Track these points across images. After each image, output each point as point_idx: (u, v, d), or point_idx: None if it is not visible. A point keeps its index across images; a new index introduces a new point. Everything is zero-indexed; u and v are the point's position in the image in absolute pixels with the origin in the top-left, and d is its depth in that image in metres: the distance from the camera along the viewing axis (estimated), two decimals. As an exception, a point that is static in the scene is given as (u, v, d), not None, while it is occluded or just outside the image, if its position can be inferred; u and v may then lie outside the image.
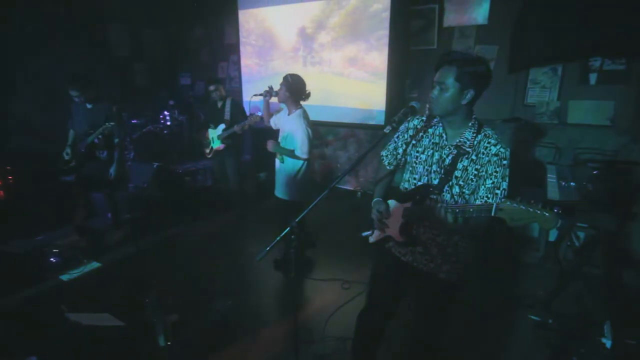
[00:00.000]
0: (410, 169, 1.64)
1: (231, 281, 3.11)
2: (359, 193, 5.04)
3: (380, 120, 4.81)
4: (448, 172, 1.49)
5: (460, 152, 1.47)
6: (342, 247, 3.65)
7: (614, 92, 3.61)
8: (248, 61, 5.95)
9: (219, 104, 4.03)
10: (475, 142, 1.46)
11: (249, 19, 5.73)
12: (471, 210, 1.32)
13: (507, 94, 4.13)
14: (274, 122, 3.07)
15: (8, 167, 4.17)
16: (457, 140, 1.49)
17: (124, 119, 3.80)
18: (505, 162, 1.42)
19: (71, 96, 3.32)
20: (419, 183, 1.59)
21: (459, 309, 2.39)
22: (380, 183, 1.76)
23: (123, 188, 3.91)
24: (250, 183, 4.98)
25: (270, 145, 2.85)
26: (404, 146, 1.67)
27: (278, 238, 1.52)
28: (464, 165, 1.48)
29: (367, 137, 5.16)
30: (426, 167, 1.57)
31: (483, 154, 1.44)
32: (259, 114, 3.31)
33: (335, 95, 5.12)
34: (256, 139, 5.18)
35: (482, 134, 1.47)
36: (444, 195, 1.52)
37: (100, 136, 3.35)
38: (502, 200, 1.27)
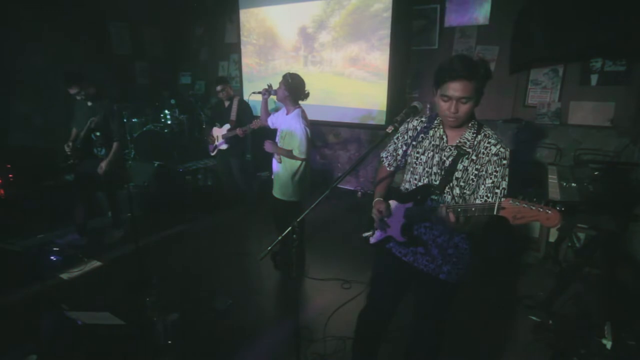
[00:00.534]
0: (411, 169, 1.64)
1: (232, 280, 3.11)
2: (360, 193, 5.04)
3: (381, 120, 4.81)
4: (448, 173, 1.50)
5: (461, 153, 1.48)
6: (342, 247, 3.65)
7: (614, 93, 3.62)
8: (249, 60, 5.95)
9: (226, 103, 4.04)
10: (476, 143, 1.47)
11: (249, 18, 5.73)
12: (473, 209, 1.32)
13: (508, 94, 4.13)
14: (272, 121, 3.06)
15: (8, 165, 4.17)
16: (457, 141, 1.49)
17: (122, 117, 3.78)
18: (505, 161, 1.42)
19: (71, 94, 3.31)
20: (420, 184, 1.59)
21: (459, 310, 2.40)
22: (380, 183, 1.76)
23: (123, 187, 3.90)
24: (253, 182, 4.99)
25: (267, 146, 2.82)
26: (404, 147, 1.68)
27: (279, 238, 1.51)
28: (464, 166, 1.48)
29: (368, 137, 5.16)
30: (426, 169, 1.57)
31: (483, 153, 1.45)
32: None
33: (336, 95, 5.12)
34: (256, 139, 5.18)
35: (482, 134, 1.47)
36: (445, 196, 1.52)
37: (98, 133, 3.34)
38: (504, 199, 1.27)
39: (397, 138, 1.70)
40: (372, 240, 1.76)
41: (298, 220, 1.49)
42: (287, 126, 2.77)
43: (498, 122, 4.05)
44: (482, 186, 1.45)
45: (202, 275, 3.17)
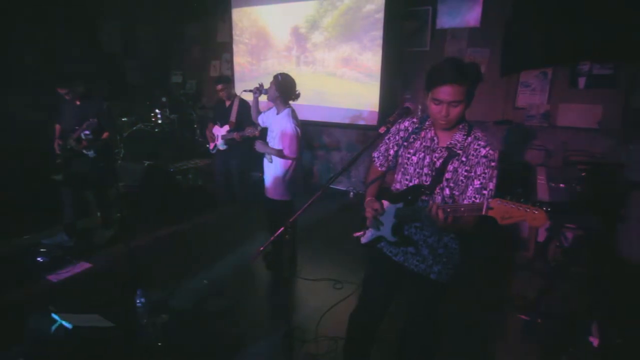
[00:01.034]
0: (402, 170, 1.65)
1: (224, 281, 3.09)
2: (352, 193, 5.05)
3: (373, 120, 4.83)
4: (439, 174, 1.51)
5: (451, 154, 1.49)
6: (334, 247, 3.65)
7: (602, 95, 3.69)
8: (241, 60, 5.93)
9: (227, 103, 4.02)
10: (466, 144, 1.48)
11: (242, 17, 5.71)
12: (462, 209, 1.34)
13: (498, 96, 4.18)
14: (262, 119, 3.05)
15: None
16: (448, 143, 1.51)
17: (113, 115, 3.73)
18: (493, 163, 1.44)
19: (59, 94, 3.26)
20: (411, 184, 1.60)
21: (449, 310, 2.42)
22: (372, 183, 1.76)
23: (112, 187, 3.85)
24: (249, 184, 4.98)
25: (258, 146, 2.81)
26: (395, 148, 1.69)
27: (272, 238, 1.51)
28: (454, 167, 1.49)
29: (360, 137, 5.18)
30: (417, 170, 1.58)
31: (473, 155, 1.46)
32: (259, 128, 3.28)
33: (329, 96, 5.12)
34: (248, 140, 5.16)
35: (472, 136, 1.49)
36: (435, 197, 1.53)
37: (87, 132, 3.28)
38: (492, 199, 1.29)
39: (389, 138, 1.71)
40: (363, 240, 1.76)
41: (290, 221, 1.50)
42: (277, 126, 2.77)
43: (489, 123, 4.10)
44: (471, 187, 1.46)
45: (193, 275, 3.15)
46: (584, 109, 3.78)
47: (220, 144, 4.01)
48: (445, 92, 1.37)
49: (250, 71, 5.84)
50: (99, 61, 5.65)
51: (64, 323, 2.23)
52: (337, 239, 3.76)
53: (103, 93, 3.53)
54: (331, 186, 1.56)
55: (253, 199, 3.95)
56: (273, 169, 2.85)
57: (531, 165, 3.87)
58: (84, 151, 3.35)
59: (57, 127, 3.46)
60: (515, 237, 3.64)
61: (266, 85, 2.92)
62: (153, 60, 6.64)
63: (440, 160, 1.52)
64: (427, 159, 1.55)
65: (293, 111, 2.79)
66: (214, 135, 4.09)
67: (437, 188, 1.52)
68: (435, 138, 1.55)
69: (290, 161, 2.77)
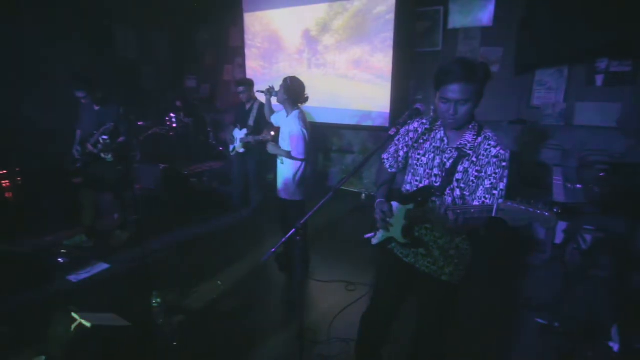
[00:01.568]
0: (412, 171, 1.65)
1: (237, 282, 3.13)
2: (364, 195, 5.04)
3: (384, 122, 4.81)
4: (449, 175, 1.50)
5: (461, 155, 1.48)
6: (346, 249, 3.65)
7: (620, 93, 3.59)
8: (253, 63, 5.99)
9: (247, 106, 4.07)
10: (476, 144, 1.47)
11: (254, 22, 5.78)
12: (472, 211, 1.33)
13: (512, 95, 4.11)
14: (275, 120, 3.15)
15: (17, 169, 4.23)
16: (458, 143, 1.50)
17: (130, 120, 3.84)
18: (504, 163, 1.43)
19: (78, 97, 3.36)
20: (420, 185, 1.60)
21: (463, 312, 2.40)
22: (382, 185, 1.77)
23: (129, 189, 3.95)
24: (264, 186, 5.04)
25: (269, 148, 2.90)
26: (405, 149, 1.68)
27: (283, 239, 1.53)
28: (464, 168, 1.48)
29: (372, 139, 5.17)
30: (427, 171, 1.58)
31: (483, 155, 1.45)
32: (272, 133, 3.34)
33: (340, 98, 5.13)
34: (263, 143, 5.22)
35: (483, 136, 1.48)
36: (445, 198, 1.52)
37: (105, 137, 3.37)
38: (501, 200, 1.28)
39: (398, 140, 1.71)
40: (374, 241, 1.77)
41: (302, 222, 1.51)
42: (286, 127, 2.84)
43: (503, 123, 4.03)
44: (481, 187, 1.45)
45: (208, 277, 3.19)
46: (601, 107, 3.69)
47: (238, 147, 4.07)
48: (453, 90, 1.37)
49: (262, 75, 5.90)
50: (115, 67, 5.80)
51: (83, 322, 2.30)
52: (350, 241, 3.75)
53: (120, 98, 3.61)
54: (343, 188, 1.57)
55: (268, 202, 3.99)
56: (284, 170, 2.90)
57: (547, 166, 3.79)
58: (102, 155, 3.45)
59: (79, 133, 3.57)
60: (532, 238, 3.57)
61: (277, 88, 2.97)
62: (167, 65, 6.77)
63: (451, 161, 1.51)
64: (437, 160, 1.55)
65: (301, 113, 2.83)
66: (235, 138, 4.15)
67: (448, 189, 1.51)
68: (445, 138, 1.54)
69: (299, 162, 2.82)
